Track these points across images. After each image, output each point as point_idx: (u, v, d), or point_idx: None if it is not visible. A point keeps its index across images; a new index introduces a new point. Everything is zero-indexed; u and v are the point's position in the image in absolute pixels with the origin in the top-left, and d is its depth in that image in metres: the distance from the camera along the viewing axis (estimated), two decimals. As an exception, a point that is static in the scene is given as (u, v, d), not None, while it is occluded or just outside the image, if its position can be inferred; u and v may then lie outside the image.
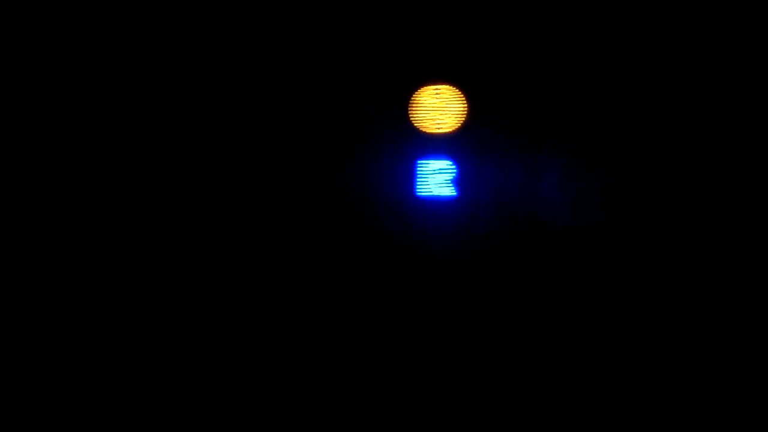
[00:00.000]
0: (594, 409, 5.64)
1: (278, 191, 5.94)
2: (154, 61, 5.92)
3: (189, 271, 5.88)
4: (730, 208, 5.74)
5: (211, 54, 5.93)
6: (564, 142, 5.89)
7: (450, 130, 5.91)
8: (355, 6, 5.91)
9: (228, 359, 5.79)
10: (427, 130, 5.93)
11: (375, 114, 5.93)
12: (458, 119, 5.90)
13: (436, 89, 5.92)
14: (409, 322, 5.87)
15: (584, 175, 5.87)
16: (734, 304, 5.69)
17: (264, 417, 5.68)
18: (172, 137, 5.92)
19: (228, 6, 5.93)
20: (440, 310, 5.88)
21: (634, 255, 5.81)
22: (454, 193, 5.89)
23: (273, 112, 5.96)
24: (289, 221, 5.93)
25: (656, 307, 5.76)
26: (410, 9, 5.91)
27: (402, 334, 5.86)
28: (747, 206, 5.73)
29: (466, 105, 5.90)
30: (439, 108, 5.91)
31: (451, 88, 5.91)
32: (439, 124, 5.92)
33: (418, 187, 5.90)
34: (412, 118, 5.92)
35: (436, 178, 5.90)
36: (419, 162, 5.91)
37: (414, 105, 5.92)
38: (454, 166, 5.89)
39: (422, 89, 5.92)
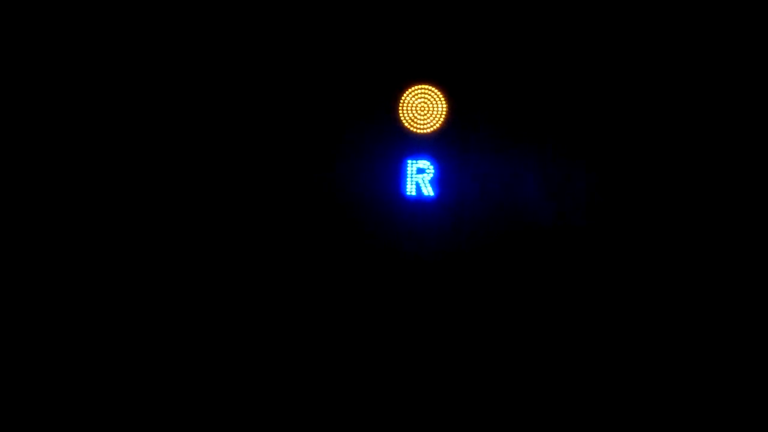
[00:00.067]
0: (579, 406, 5.69)
1: (265, 190, 5.96)
2: (141, 58, 5.94)
3: (175, 268, 5.90)
4: (717, 207, 5.78)
5: (199, 55, 5.94)
6: (548, 141, 5.92)
7: (435, 129, 5.94)
8: (338, 8, 5.93)
9: (214, 355, 5.81)
10: (413, 130, 5.96)
11: (360, 114, 5.96)
12: (442, 119, 5.93)
13: (421, 89, 5.94)
14: (394, 320, 5.90)
15: (568, 174, 5.90)
16: (722, 302, 5.73)
17: (251, 414, 5.72)
18: (160, 136, 5.95)
19: (215, 9, 5.94)
20: (426, 308, 5.92)
21: (616, 253, 5.84)
22: (437, 193, 5.93)
23: (259, 113, 5.96)
24: (275, 220, 5.96)
25: (640, 305, 5.80)
26: (393, 10, 5.92)
27: (388, 332, 5.89)
28: (736, 204, 5.76)
29: (449, 105, 5.93)
30: (423, 108, 5.93)
31: (435, 87, 5.94)
32: (424, 123, 5.94)
33: (405, 186, 5.94)
34: (396, 118, 5.94)
35: (421, 178, 5.93)
36: (406, 161, 5.94)
37: (399, 105, 5.94)
38: (434, 166, 5.92)
39: (407, 89, 5.94)
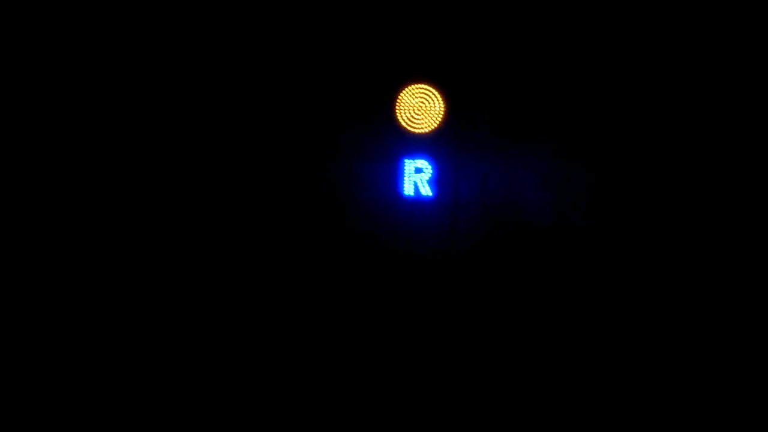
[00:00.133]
0: (579, 405, 5.71)
1: (263, 190, 5.97)
2: (141, 58, 5.94)
3: (175, 267, 5.92)
4: (716, 206, 5.77)
5: (197, 55, 5.94)
6: (547, 141, 5.90)
7: (432, 129, 5.93)
8: (336, 9, 5.90)
9: (211, 353, 5.83)
10: (410, 130, 5.94)
11: (358, 114, 5.95)
12: (440, 118, 5.91)
13: (419, 89, 5.92)
14: (392, 319, 5.92)
15: (567, 174, 5.89)
16: (721, 302, 5.73)
17: (250, 413, 5.74)
18: (160, 136, 5.95)
19: (212, 8, 5.93)
20: (424, 308, 5.93)
21: (615, 252, 5.84)
22: (435, 192, 5.92)
23: (258, 113, 5.97)
24: (273, 219, 5.97)
25: (640, 304, 5.80)
26: (390, 11, 5.90)
27: (386, 330, 5.91)
28: (735, 204, 5.75)
29: (447, 104, 5.91)
30: (421, 107, 5.91)
31: (432, 87, 5.91)
32: (421, 123, 5.93)
33: (402, 186, 5.94)
34: (394, 118, 5.93)
35: (418, 177, 5.93)
36: (403, 161, 5.93)
37: (397, 105, 5.93)
38: (432, 166, 5.91)
39: (405, 89, 5.92)
